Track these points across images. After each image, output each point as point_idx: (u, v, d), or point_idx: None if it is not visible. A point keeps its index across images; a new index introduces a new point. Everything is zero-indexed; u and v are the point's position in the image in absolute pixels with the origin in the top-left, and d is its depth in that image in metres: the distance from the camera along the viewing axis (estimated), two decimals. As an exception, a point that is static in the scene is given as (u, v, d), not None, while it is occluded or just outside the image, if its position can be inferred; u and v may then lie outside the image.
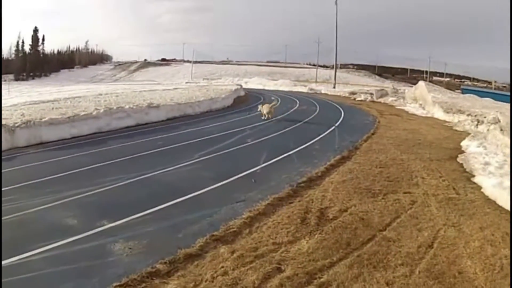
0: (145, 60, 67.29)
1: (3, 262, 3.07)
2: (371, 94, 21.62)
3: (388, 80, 49.86)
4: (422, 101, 16.95)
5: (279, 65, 59.64)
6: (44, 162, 6.44)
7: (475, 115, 11.70)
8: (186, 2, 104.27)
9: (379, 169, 6.02)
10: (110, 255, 3.29)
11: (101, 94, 16.08)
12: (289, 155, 7.05)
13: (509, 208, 4.37)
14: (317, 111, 14.94)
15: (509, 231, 3.77)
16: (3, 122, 7.58)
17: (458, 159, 6.81)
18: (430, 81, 37.72)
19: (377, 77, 53.99)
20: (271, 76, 45.61)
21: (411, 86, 23.65)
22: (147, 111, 11.17)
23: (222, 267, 3.07)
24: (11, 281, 2.85)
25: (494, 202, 4.67)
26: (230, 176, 5.54)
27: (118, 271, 2.99)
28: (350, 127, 10.57)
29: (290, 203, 4.52)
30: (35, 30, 53.72)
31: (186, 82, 40.09)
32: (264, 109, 11.77)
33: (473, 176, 5.75)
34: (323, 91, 27.89)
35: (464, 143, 8.00)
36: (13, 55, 52.78)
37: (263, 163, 6.37)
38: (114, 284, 2.81)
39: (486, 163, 6.10)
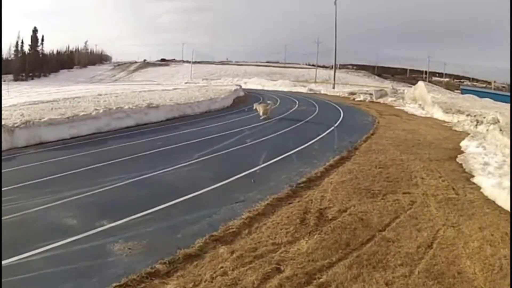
0: (145, 60, 67.36)
1: (3, 262, 3.07)
2: (371, 94, 21.61)
3: (387, 80, 49.97)
4: (422, 101, 16.95)
5: (278, 65, 59.78)
6: (44, 162, 6.44)
7: (475, 116, 11.70)
8: (186, 2, 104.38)
9: (378, 170, 6.02)
10: (110, 255, 3.30)
11: (100, 95, 16.09)
12: (288, 155, 7.05)
13: (508, 208, 4.37)
14: (317, 111, 14.94)
15: (508, 231, 3.77)
16: (2, 122, 7.58)
17: (457, 159, 6.81)
18: (429, 81, 37.73)
19: (377, 77, 54.10)
20: (271, 77, 45.68)
21: (411, 86, 23.61)
22: (146, 111, 11.18)
23: (222, 267, 3.08)
24: (11, 281, 2.85)
25: (494, 202, 4.67)
26: (230, 177, 5.55)
27: (118, 271, 3.00)
28: (349, 128, 10.57)
29: (290, 203, 4.52)
30: (35, 30, 53.88)
31: (186, 83, 40.17)
32: (261, 108, 11.89)
33: (473, 176, 5.75)
34: (322, 92, 27.92)
35: (463, 143, 8.01)
36: (12, 55, 52.84)
37: (263, 163, 6.37)
38: (114, 284, 2.81)
39: (486, 163, 6.11)
